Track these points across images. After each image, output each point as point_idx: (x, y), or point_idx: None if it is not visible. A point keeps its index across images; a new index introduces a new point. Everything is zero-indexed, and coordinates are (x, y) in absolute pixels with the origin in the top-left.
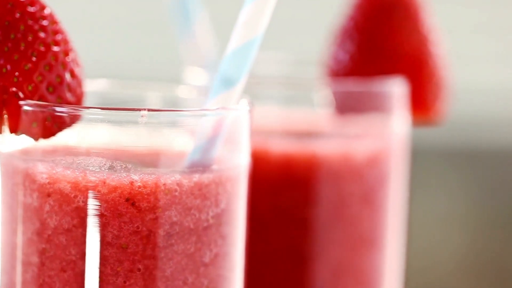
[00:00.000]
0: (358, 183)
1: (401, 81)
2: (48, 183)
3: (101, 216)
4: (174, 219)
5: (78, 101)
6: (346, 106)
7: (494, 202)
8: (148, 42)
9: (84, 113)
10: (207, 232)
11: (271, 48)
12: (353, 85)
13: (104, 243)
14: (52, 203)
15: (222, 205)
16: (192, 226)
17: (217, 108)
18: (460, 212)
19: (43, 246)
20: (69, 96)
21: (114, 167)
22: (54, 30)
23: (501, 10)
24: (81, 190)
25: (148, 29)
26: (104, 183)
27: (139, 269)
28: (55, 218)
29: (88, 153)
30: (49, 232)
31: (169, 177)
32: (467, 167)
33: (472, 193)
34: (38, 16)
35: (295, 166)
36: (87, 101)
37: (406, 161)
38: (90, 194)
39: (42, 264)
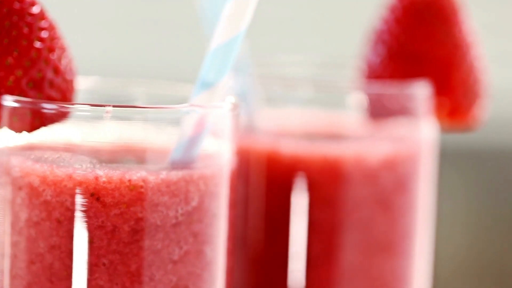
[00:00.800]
0: (371, 187)
1: (425, 84)
2: (20, 176)
3: (67, 210)
4: (140, 215)
5: (64, 98)
6: (375, 109)
7: (496, 203)
8: (179, 43)
9: (51, 108)
10: (176, 229)
11: (305, 50)
12: (379, 88)
13: (70, 237)
14: (23, 196)
15: (193, 203)
16: (159, 222)
17: (189, 105)
18: (462, 212)
19: (16, 238)
20: (51, 92)
21: (80, 162)
22: (40, 26)
23: (507, 10)
24: (49, 184)
25: (182, 30)
26: (70, 177)
27: (104, 264)
28: (25, 211)
29: (56, 148)
30: (21, 225)
31: (135, 173)
32: (468, 167)
33: (474, 194)
34: (24, 13)
35: (306, 167)
36: (86, 98)
37: (431, 165)
38: (57, 188)
39: (14, 256)
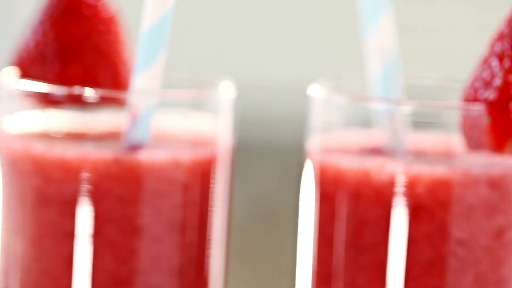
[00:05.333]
0: (378, 205)
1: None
2: None
3: None
4: (36, 186)
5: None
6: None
7: None
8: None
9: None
10: (71, 205)
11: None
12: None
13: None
14: None
15: (89, 183)
16: (53, 196)
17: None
18: None
19: None
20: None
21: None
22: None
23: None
24: None
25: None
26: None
27: (14, 228)
28: None
29: None
30: None
31: (37, 147)
32: None
33: None
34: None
35: (322, 180)
36: None
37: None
38: None
39: None
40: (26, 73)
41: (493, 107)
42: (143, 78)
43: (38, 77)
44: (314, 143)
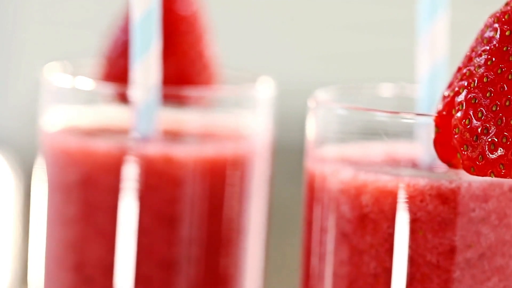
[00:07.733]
0: (331, 212)
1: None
2: None
3: None
4: (48, 172)
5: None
6: None
7: None
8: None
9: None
10: (70, 193)
11: None
12: None
13: None
14: None
15: (82, 173)
16: (58, 183)
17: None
18: None
19: None
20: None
21: None
22: None
23: None
24: None
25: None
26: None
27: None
28: None
29: None
30: None
31: (56, 141)
32: None
33: None
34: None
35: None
36: None
37: None
38: None
39: None
40: (110, 70)
41: (439, 118)
42: (139, 70)
43: (118, 75)
44: (309, 149)
